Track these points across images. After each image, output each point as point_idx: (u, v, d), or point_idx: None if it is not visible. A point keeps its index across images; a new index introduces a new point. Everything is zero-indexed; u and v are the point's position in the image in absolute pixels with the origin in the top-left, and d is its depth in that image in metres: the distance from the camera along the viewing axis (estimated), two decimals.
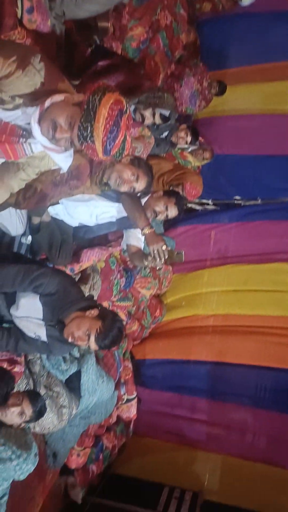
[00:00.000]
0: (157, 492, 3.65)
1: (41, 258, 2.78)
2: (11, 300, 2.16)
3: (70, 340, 1.99)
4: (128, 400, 3.83)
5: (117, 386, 3.62)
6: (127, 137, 1.59)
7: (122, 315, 3.73)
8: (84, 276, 2.99)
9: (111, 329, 1.99)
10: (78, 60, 2.66)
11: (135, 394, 3.90)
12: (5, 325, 2.24)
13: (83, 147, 1.59)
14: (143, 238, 2.62)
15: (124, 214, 2.76)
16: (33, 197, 2.16)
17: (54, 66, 1.69)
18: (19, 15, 2.07)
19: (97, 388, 3.07)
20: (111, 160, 2.11)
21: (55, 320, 2.07)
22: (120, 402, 3.76)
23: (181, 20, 3.84)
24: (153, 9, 3.22)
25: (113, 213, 2.76)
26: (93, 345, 1.99)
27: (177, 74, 3.88)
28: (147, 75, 3.14)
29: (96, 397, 3.09)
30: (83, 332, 1.96)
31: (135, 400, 3.92)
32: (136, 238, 2.71)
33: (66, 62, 2.48)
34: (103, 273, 3.27)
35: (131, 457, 4.11)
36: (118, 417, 3.92)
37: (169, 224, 4.75)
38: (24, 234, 2.61)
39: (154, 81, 3.33)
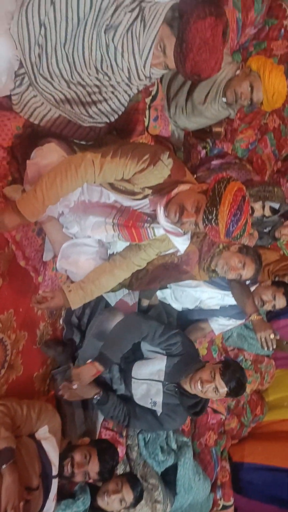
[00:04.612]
0: None
1: None
2: (128, 367, 2.36)
3: (198, 387, 2.16)
4: (224, 507, 3.45)
5: (213, 488, 3.34)
6: (248, 220, 1.69)
7: (222, 409, 3.55)
8: None
9: (235, 372, 2.21)
10: (194, 159, 2.95)
11: (232, 500, 3.52)
12: None
13: (206, 229, 1.71)
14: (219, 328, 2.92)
15: (229, 302, 2.78)
16: (144, 277, 2.32)
17: (180, 161, 1.90)
18: (146, 123, 2.40)
19: (193, 486, 2.87)
20: (231, 243, 2.24)
21: (176, 381, 2.25)
22: (215, 508, 3.42)
23: None
24: (262, 114, 3.48)
25: (219, 300, 2.80)
26: (221, 386, 2.15)
27: (283, 170, 4.02)
28: (255, 171, 3.31)
29: (191, 496, 2.88)
30: (208, 374, 2.17)
31: (232, 508, 3.54)
32: (218, 324, 2.88)
33: (184, 161, 2.74)
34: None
35: None
36: None
37: (271, 316, 4.59)
38: None
39: (261, 177, 3.49)
